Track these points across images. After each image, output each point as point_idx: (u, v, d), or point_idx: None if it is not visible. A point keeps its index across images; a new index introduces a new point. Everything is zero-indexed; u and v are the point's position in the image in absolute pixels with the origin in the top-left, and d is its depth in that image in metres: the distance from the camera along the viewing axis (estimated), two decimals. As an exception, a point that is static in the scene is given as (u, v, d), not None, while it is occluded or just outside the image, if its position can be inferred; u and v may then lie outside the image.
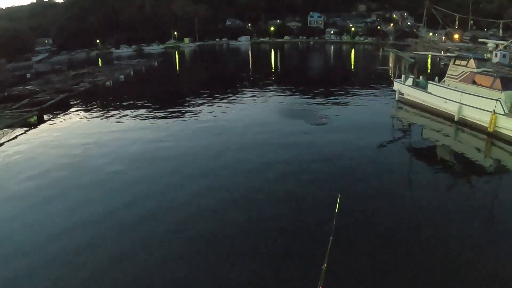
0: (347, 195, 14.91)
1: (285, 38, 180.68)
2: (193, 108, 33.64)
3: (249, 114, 30.71)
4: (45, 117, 33.39)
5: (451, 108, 25.52)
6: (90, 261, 11.64)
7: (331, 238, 7.93)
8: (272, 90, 41.67)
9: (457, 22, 39.59)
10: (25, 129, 29.57)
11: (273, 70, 70.49)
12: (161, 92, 47.51)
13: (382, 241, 12.11)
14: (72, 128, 29.70)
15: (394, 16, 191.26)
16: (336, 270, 9.47)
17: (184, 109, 33.80)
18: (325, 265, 6.76)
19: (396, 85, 32.80)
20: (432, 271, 10.52)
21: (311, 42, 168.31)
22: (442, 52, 33.10)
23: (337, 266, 9.55)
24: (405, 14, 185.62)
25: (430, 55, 36.18)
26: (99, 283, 10.70)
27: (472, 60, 25.88)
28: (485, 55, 27.68)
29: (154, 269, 11.04)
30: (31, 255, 12.08)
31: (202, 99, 37.63)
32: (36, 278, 11.00)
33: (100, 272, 11.09)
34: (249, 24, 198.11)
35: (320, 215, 13.22)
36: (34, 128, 30.12)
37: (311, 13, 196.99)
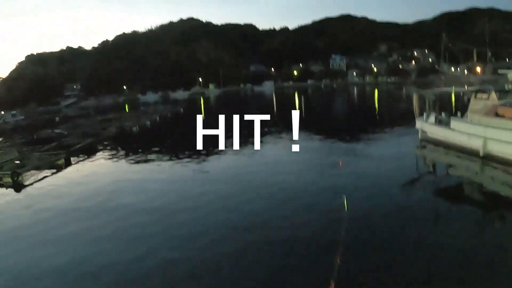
0: (369, 237, 14.70)
1: (308, 82, 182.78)
2: (219, 155, 33.65)
3: (271, 161, 30.39)
4: (72, 160, 34.20)
5: (475, 143, 25.01)
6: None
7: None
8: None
9: (475, 55, 39.43)
10: (53, 171, 30.33)
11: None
12: (187, 138, 47.99)
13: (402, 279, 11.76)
14: (98, 172, 30.28)
15: (415, 53, 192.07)
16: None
17: (210, 156, 33.82)
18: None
19: (419, 124, 32.49)
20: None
21: (334, 85, 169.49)
22: (465, 87, 32.85)
23: None
24: (426, 51, 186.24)
25: (453, 91, 35.92)
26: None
27: (493, 93, 25.63)
28: (506, 86, 27.30)
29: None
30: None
31: (228, 146, 37.61)
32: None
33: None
34: (273, 69, 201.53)
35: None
36: (61, 170, 30.85)
37: (332, 55, 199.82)
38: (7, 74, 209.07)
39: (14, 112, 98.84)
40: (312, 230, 15.34)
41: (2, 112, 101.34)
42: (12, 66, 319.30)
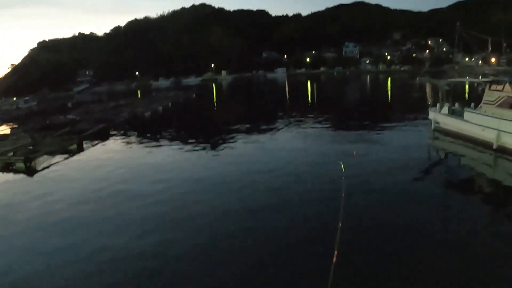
0: (377, 226, 14.73)
1: (321, 69, 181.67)
2: (231, 141, 33.59)
3: (284, 148, 30.36)
4: (85, 145, 34.47)
5: (489, 136, 24.73)
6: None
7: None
8: (309, 121, 41.53)
9: (490, 45, 38.62)
10: (65, 156, 30.60)
11: (309, 101, 70.60)
12: (199, 124, 48.21)
13: (406, 270, 11.70)
14: (110, 157, 30.46)
15: (430, 42, 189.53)
16: None
17: (221, 141, 33.94)
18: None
19: (432, 114, 32.18)
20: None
21: (347, 72, 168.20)
22: (480, 77, 32.30)
23: None
24: (440, 40, 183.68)
25: (467, 81, 35.32)
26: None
27: (508, 84, 25.17)
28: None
29: None
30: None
31: (239, 131, 37.72)
32: None
33: None
34: (285, 56, 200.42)
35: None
36: (73, 156, 31.10)
37: (346, 43, 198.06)
38: (20, 61, 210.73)
39: (27, 98, 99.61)
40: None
41: (15, 99, 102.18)
42: (24, 52, 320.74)
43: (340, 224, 9.02)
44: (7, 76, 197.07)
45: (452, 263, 11.92)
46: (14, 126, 54.05)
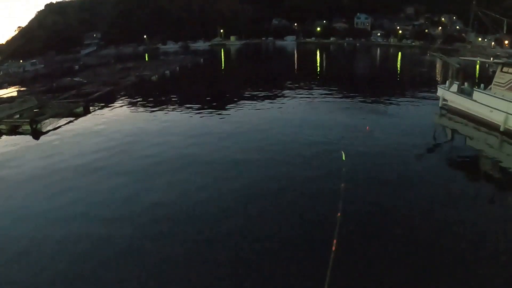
0: (381, 202, 14.81)
1: (331, 39, 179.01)
2: (238, 107, 33.73)
3: (292, 118, 29.92)
4: (91, 108, 34.57)
5: (497, 118, 24.50)
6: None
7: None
8: (317, 92, 41.24)
9: (505, 27, 37.65)
10: (71, 119, 30.79)
11: (318, 71, 70.05)
12: (206, 89, 48.07)
13: (407, 250, 11.83)
14: (116, 120, 30.63)
15: (443, 19, 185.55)
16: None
17: (228, 107, 34.01)
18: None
19: (440, 91, 31.89)
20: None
21: (357, 44, 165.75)
22: (491, 59, 31.75)
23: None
24: (454, 17, 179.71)
25: (478, 61, 34.74)
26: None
27: (520, 68, 24.78)
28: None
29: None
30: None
31: (247, 98, 37.67)
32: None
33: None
34: (295, 24, 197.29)
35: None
36: (79, 118, 31.24)
37: (358, 14, 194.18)
38: (27, 24, 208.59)
39: (34, 60, 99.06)
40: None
41: (21, 61, 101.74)
42: (31, 15, 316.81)
43: (339, 214, 9.08)
44: (14, 39, 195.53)
45: (454, 247, 11.94)
46: (21, 88, 54.01)
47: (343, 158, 13.54)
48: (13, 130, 27.41)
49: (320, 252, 10.71)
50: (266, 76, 61.29)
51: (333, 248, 7.99)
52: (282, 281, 10.37)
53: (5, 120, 28.31)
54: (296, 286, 10.21)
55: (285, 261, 11.20)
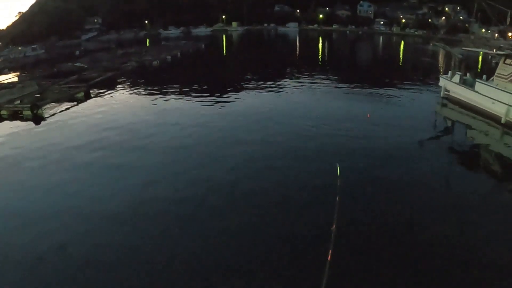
0: (378, 190, 14.99)
1: (333, 26, 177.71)
2: (239, 93, 33.78)
3: (291, 107, 29.81)
4: (92, 93, 34.52)
5: (498, 110, 24.44)
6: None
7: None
8: (319, 79, 41.21)
9: (509, 18, 37.26)
10: (72, 104, 30.79)
11: (320, 59, 69.76)
12: (207, 75, 47.94)
13: (403, 239, 11.94)
14: (117, 105, 30.67)
15: (447, 9, 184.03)
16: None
17: (229, 93, 34.06)
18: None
19: (442, 82, 31.83)
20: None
21: (360, 32, 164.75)
22: (494, 50, 31.61)
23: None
24: (458, 8, 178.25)
25: (481, 53, 34.59)
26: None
27: (524, 61, 24.65)
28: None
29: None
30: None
31: (248, 84, 37.73)
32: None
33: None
34: (298, 11, 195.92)
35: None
36: (80, 103, 31.23)
37: (361, 2, 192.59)
38: (28, 9, 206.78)
39: (35, 46, 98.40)
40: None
41: (22, 47, 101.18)
42: (32, 0, 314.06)
43: (334, 226, 9.05)
44: (15, 24, 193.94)
45: (446, 226, 12.29)
46: (21, 74, 53.82)
47: (338, 173, 13.30)
48: (14, 115, 27.35)
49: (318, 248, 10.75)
50: (267, 63, 61.10)
51: (329, 258, 7.96)
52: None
53: (6, 105, 28.26)
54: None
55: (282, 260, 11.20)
